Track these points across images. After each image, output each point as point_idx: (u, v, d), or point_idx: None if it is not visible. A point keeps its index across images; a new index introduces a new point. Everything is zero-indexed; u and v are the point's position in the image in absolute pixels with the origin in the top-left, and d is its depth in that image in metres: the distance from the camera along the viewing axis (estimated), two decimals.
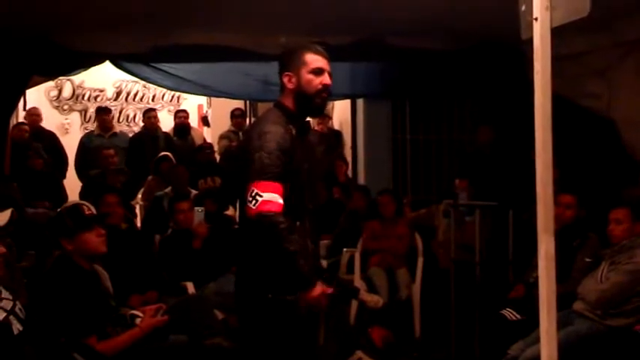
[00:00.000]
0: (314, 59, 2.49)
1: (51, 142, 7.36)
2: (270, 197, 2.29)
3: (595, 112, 4.75)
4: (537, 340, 3.00)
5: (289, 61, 2.51)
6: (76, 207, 3.01)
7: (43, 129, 7.63)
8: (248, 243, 2.43)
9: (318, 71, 2.48)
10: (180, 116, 7.86)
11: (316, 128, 7.83)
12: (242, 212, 2.47)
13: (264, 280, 2.38)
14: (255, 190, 2.29)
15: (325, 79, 2.48)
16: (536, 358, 2.73)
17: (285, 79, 2.49)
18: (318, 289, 2.35)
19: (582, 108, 4.83)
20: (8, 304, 2.33)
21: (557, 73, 1.98)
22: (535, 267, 3.55)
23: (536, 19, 1.97)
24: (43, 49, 5.20)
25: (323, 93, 2.48)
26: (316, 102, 2.50)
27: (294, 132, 2.46)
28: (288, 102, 2.51)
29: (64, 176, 7.20)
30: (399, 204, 5.31)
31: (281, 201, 2.31)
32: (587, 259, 3.68)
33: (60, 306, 2.71)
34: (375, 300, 4.65)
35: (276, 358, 2.47)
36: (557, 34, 1.96)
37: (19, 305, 2.38)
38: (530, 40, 2.02)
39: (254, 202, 2.28)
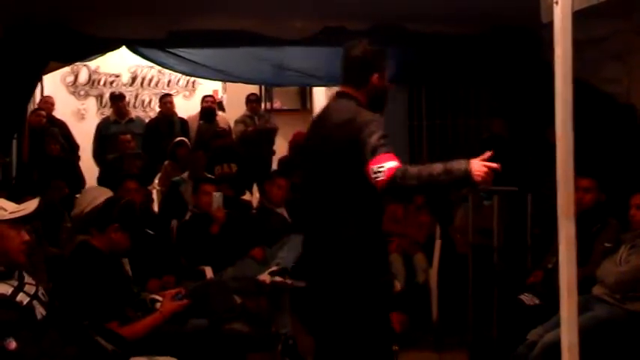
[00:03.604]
0: (387, 64, 2.69)
1: (62, 130, 7.41)
2: (390, 165, 2.35)
3: (615, 97, 4.70)
4: (556, 326, 3.01)
5: (379, 62, 2.68)
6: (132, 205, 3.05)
7: (54, 117, 7.69)
8: (346, 227, 2.54)
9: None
10: (208, 101, 7.91)
11: None
12: (341, 200, 2.58)
13: (362, 263, 2.51)
14: (375, 166, 2.37)
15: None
16: (555, 344, 2.73)
17: (374, 78, 2.65)
18: (473, 161, 2.34)
19: (601, 92, 4.78)
20: (31, 289, 2.36)
21: (576, 56, 1.96)
22: (554, 253, 3.56)
23: (556, 2, 1.95)
24: (59, 35, 5.21)
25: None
26: (384, 104, 2.68)
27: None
28: (361, 97, 2.65)
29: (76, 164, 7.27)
30: None
31: (397, 162, 2.37)
32: (607, 244, 3.65)
33: (82, 291, 2.74)
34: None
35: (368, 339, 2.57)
36: (576, 19, 1.94)
37: (41, 290, 2.42)
38: (551, 24, 2.00)
39: (379, 174, 2.36)
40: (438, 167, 2.36)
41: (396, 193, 2.48)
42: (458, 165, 2.35)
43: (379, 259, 2.63)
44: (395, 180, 2.33)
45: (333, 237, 2.60)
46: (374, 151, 2.39)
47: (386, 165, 2.35)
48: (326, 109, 2.80)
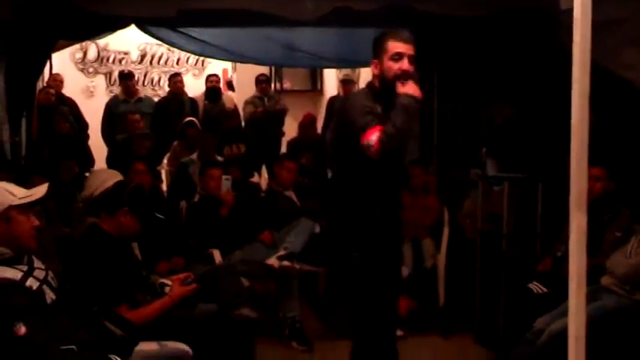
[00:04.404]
0: (394, 45, 2.71)
1: (71, 109, 7.41)
2: (376, 136, 2.59)
3: (631, 83, 4.62)
4: (564, 314, 3.00)
5: (375, 48, 2.77)
6: (141, 189, 3.05)
7: (63, 95, 7.69)
8: (334, 202, 2.83)
9: (397, 57, 2.70)
10: (212, 80, 7.88)
11: (341, 94, 7.80)
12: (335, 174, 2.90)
13: (346, 238, 2.76)
14: (365, 141, 2.61)
15: (403, 64, 2.69)
16: (562, 332, 2.73)
17: (372, 66, 2.79)
18: (401, 90, 2.62)
19: (618, 77, 4.70)
20: (41, 274, 2.35)
21: (594, 40, 1.92)
22: (564, 240, 3.54)
23: None
24: (68, 13, 5.18)
25: (402, 78, 2.67)
26: (390, 98, 2.69)
27: (379, 110, 2.71)
28: (376, 82, 2.81)
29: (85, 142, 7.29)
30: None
31: (379, 132, 2.60)
32: (618, 234, 3.63)
33: (92, 275, 2.75)
34: None
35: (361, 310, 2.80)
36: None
37: (51, 274, 2.41)
38: (570, 10, 1.95)
39: (370, 147, 2.60)
40: (397, 114, 2.60)
41: (395, 153, 2.68)
42: (402, 100, 2.62)
43: (357, 235, 2.77)
44: (384, 146, 2.57)
45: (332, 213, 2.91)
46: (362, 129, 2.63)
47: (373, 137, 2.59)
48: None
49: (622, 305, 3.39)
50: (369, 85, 2.86)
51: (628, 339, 3.35)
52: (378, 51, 2.76)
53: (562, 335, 2.20)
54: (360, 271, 2.79)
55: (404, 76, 2.67)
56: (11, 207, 2.30)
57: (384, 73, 2.73)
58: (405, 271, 4.64)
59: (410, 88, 2.63)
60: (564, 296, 2.02)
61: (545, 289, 3.67)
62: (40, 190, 2.39)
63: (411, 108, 2.61)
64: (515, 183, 4.50)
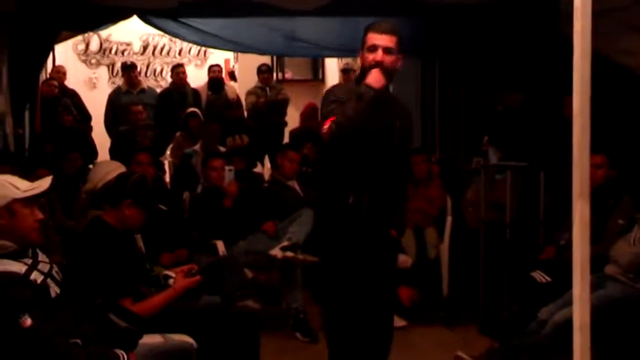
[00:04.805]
0: (371, 37, 2.81)
1: (74, 100, 7.42)
2: (328, 125, 2.74)
3: (630, 70, 4.61)
4: (567, 304, 3.01)
5: (361, 41, 2.86)
6: (145, 180, 3.04)
7: (66, 87, 7.69)
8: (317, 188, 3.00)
9: (372, 48, 2.79)
10: (215, 70, 7.87)
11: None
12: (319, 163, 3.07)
13: (324, 226, 2.89)
14: (322, 130, 2.77)
15: (376, 55, 2.77)
16: (566, 322, 2.73)
17: (359, 57, 2.91)
18: (369, 77, 2.72)
19: (617, 64, 4.68)
20: (45, 267, 2.35)
21: (594, 28, 1.91)
22: (567, 229, 3.54)
23: None
24: (71, 4, 5.17)
25: (373, 68, 2.76)
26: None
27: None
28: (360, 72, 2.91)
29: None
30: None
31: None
32: (621, 222, 3.63)
33: (96, 268, 2.74)
34: (403, 259, 4.68)
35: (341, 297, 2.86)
36: None
37: (55, 268, 2.41)
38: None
39: (324, 135, 2.77)
40: (349, 103, 2.72)
41: (346, 141, 2.76)
42: (359, 88, 2.73)
43: (337, 225, 2.84)
44: (332, 134, 2.71)
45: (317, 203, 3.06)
46: (324, 118, 2.79)
47: (326, 126, 2.74)
48: None
49: (626, 294, 3.39)
50: (357, 75, 2.97)
51: (633, 327, 3.35)
52: (362, 44, 2.85)
53: (566, 325, 2.20)
54: (329, 259, 2.89)
55: (374, 66, 2.75)
56: (15, 200, 2.30)
57: (364, 64, 2.83)
58: (409, 261, 4.65)
59: (370, 78, 2.72)
60: (568, 285, 2.01)
61: (548, 278, 3.67)
62: (44, 183, 2.38)
63: (365, 96, 2.69)
64: (517, 171, 4.49)
